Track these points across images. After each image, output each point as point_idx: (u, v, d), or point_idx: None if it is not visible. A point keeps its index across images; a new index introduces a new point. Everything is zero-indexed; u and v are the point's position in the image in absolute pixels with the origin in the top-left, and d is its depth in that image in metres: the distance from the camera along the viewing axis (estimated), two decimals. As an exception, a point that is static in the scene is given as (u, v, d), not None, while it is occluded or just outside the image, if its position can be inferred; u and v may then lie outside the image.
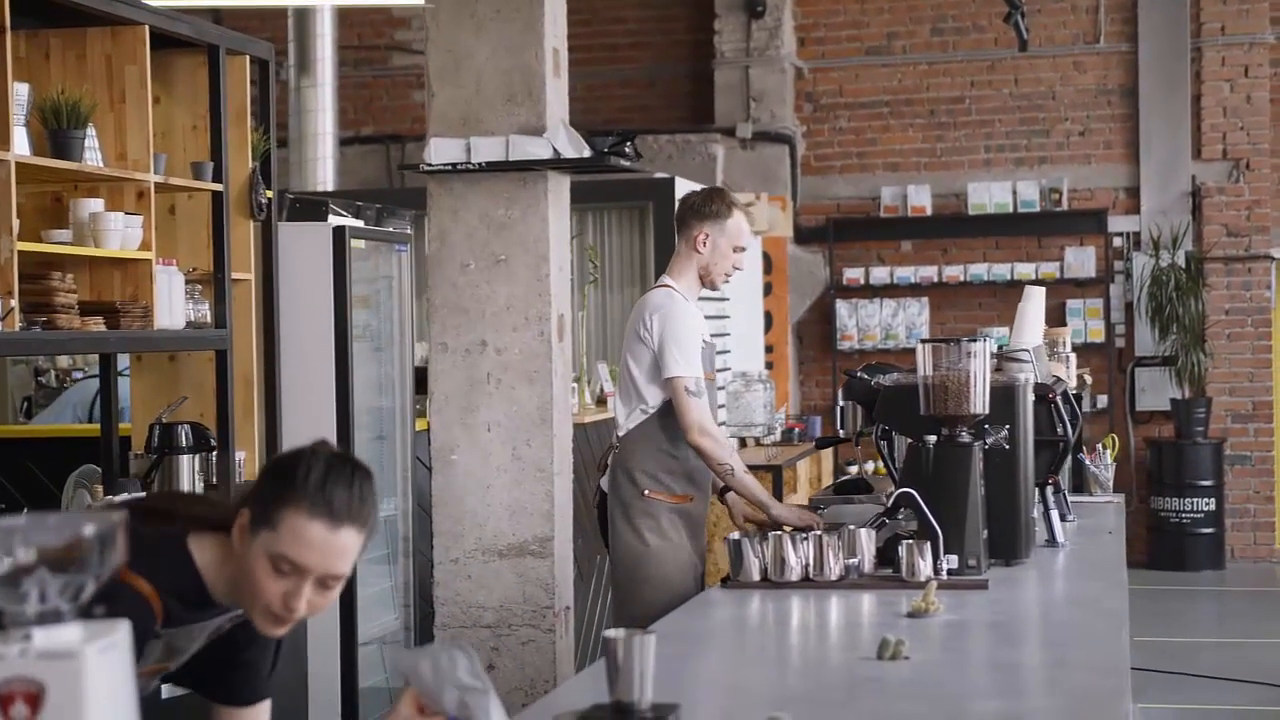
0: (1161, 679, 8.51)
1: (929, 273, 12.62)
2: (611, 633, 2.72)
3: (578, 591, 6.40)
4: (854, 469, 12.18)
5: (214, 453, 5.51)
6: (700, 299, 9.01)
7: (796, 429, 10.73)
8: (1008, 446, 4.47)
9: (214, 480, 5.53)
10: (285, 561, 2.52)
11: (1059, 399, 4.99)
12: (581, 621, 7.06)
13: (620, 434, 5.23)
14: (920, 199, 12.68)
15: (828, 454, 11.08)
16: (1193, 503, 12.04)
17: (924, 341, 4.40)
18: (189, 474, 5.35)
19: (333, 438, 6.23)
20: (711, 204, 5.23)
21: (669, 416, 5.11)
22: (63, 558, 1.75)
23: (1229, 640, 9.93)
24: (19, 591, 1.73)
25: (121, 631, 1.78)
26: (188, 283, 5.43)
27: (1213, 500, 12.06)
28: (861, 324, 12.75)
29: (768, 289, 12.25)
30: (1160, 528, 12.14)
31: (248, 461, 5.79)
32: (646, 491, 5.13)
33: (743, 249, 5.26)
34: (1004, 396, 4.48)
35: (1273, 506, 12.46)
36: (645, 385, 5.13)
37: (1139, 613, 9.90)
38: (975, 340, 4.37)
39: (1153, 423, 12.50)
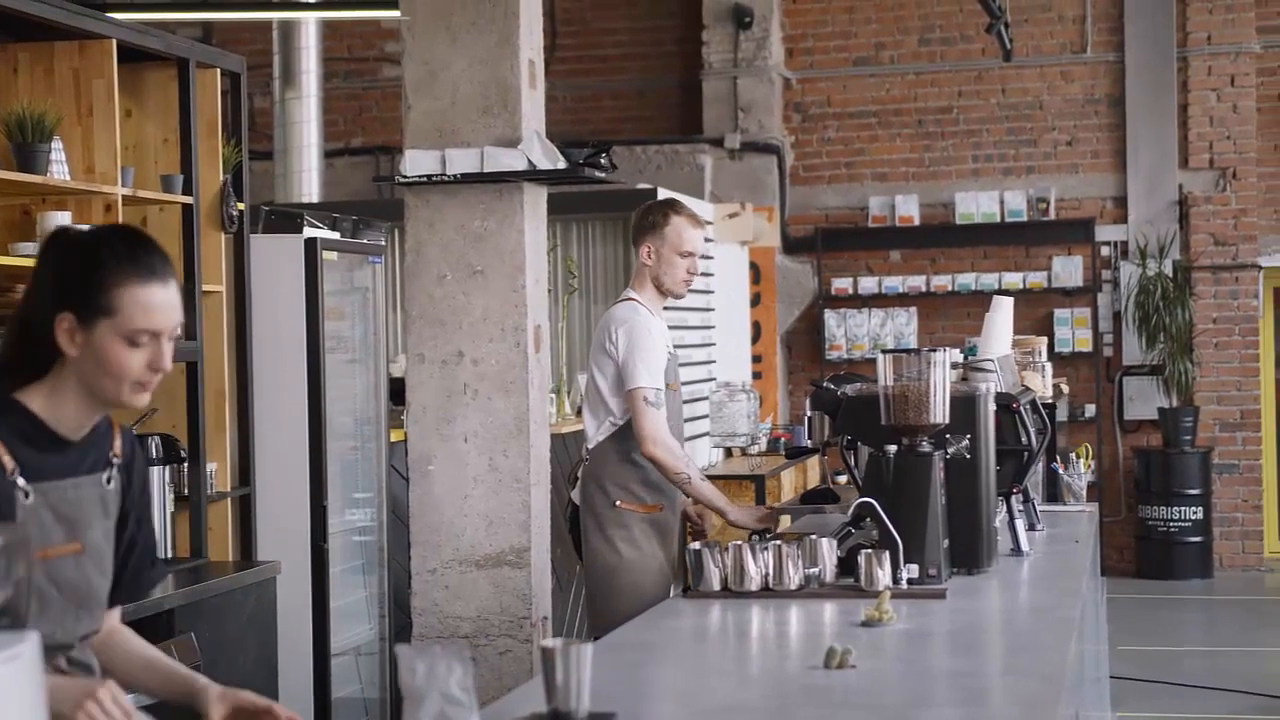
0: (1146, 687, 8.52)
1: (917, 282, 12.64)
2: (548, 643, 2.74)
3: (555, 601, 6.41)
4: (843, 479, 12.18)
5: (184, 464, 5.52)
6: (681, 309, 9.03)
7: (783, 439, 10.74)
8: (969, 456, 4.49)
9: (185, 492, 5.55)
10: (141, 334, 2.63)
11: (1024, 408, 5.00)
12: (559, 631, 7.07)
13: (589, 446, 5.32)
14: (908, 209, 12.71)
15: (814, 463, 11.09)
16: (1180, 511, 12.04)
17: (885, 351, 4.42)
18: (159, 486, 5.36)
19: (305, 448, 6.26)
20: (649, 216, 5.37)
21: None
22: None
23: (1215, 649, 9.94)
24: (-77, 602, 1.75)
25: (29, 643, 1.80)
26: (159, 295, 5.45)
27: (1200, 509, 12.07)
28: (850, 334, 12.76)
29: (756, 299, 12.28)
30: (1148, 536, 12.15)
31: (219, 473, 5.81)
32: (618, 503, 5.23)
33: (689, 254, 5.34)
34: (965, 406, 4.50)
35: (1260, 515, 12.47)
36: (611, 398, 5.25)
37: (1125, 621, 9.94)
38: (935, 350, 4.38)
39: (1140, 431, 12.51)
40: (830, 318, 12.76)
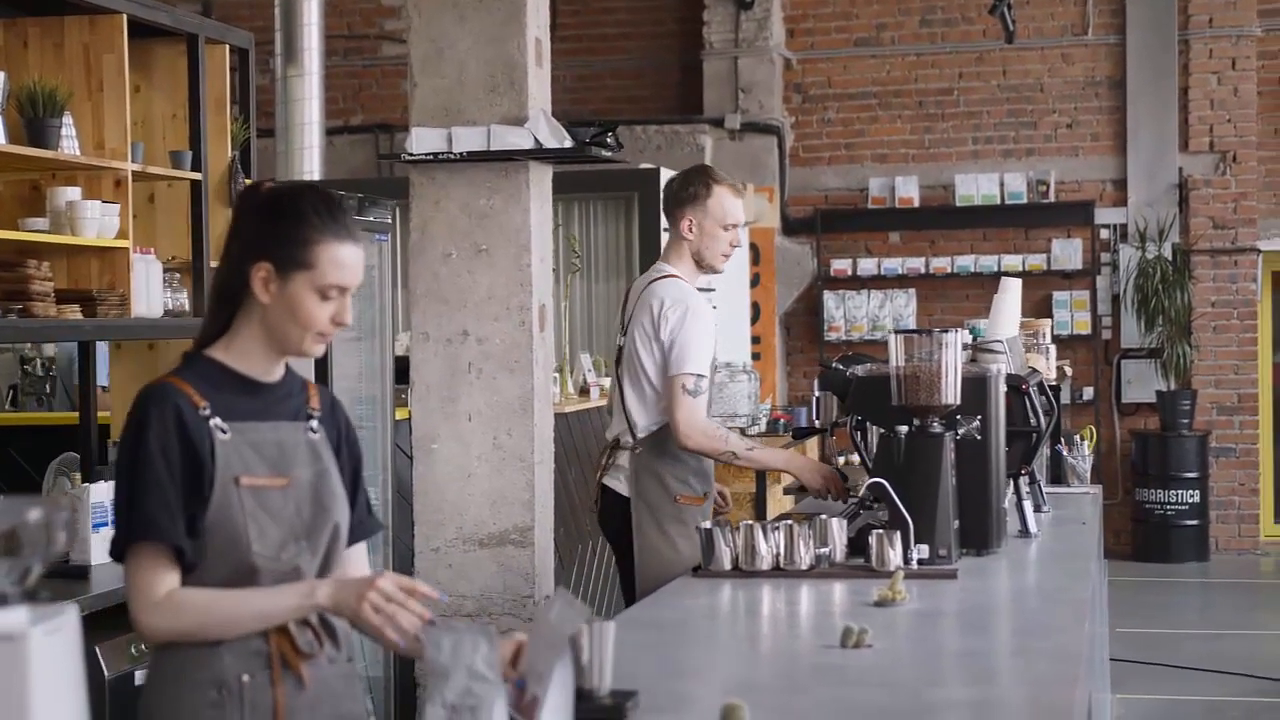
0: (1143, 670, 8.55)
1: (916, 264, 12.65)
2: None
3: (558, 581, 6.42)
4: (842, 459, 12.20)
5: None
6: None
7: (783, 420, 10.75)
8: (979, 437, 4.49)
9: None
10: (332, 288, 2.78)
11: (1033, 390, 5.00)
12: (562, 610, 7.07)
13: (639, 435, 5.06)
14: (908, 190, 12.70)
15: (814, 444, 11.11)
16: (1178, 495, 12.07)
17: (896, 332, 4.41)
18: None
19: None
20: (689, 187, 5.11)
21: None
22: (8, 542, 1.77)
23: (1212, 631, 9.97)
24: (-36, 575, 1.75)
25: (68, 616, 1.80)
26: (166, 271, 5.44)
27: (1197, 492, 12.10)
28: (849, 315, 12.77)
29: (755, 280, 12.28)
30: (1145, 519, 12.17)
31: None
32: (678, 497, 5.02)
33: (733, 225, 5.10)
34: (976, 387, 4.49)
35: (1257, 499, 12.50)
36: (663, 384, 4.98)
37: (1122, 604, 9.96)
38: (947, 331, 4.38)
39: (1138, 414, 12.53)
40: (829, 299, 12.76)
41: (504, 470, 5.76)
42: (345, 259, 2.79)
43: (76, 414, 5.83)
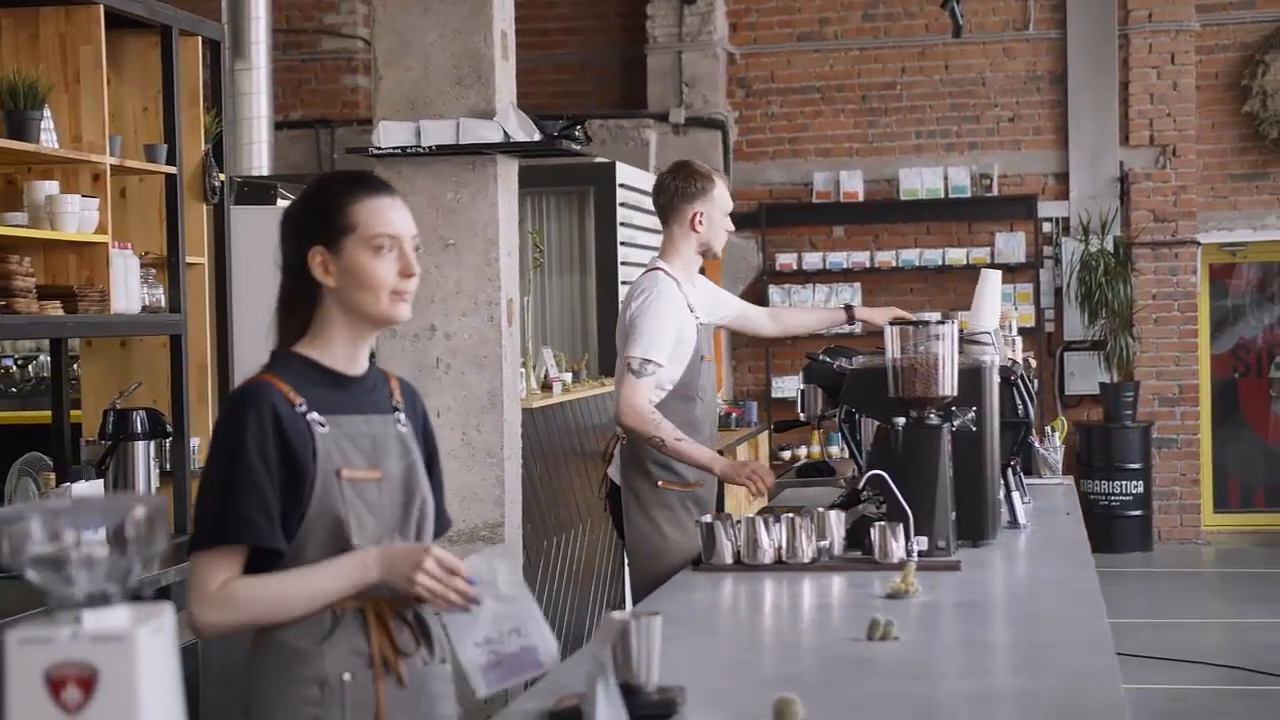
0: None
1: (861, 258, 12.69)
2: (619, 615, 2.72)
3: (527, 577, 6.39)
4: (786, 454, 12.23)
5: (169, 439, 5.43)
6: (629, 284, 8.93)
7: (734, 415, 10.76)
8: (974, 428, 4.49)
9: (168, 467, 5.46)
10: (380, 238, 2.78)
11: (1019, 380, 5.03)
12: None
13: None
14: (852, 184, 12.74)
15: (764, 439, 11.13)
16: (1121, 485, 12.18)
17: (893, 323, 4.41)
18: (144, 460, 5.27)
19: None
20: (695, 183, 5.21)
21: (675, 404, 5.05)
22: (111, 540, 1.73)
23: (1158, 620, 10.06)
24: (67, 574, 1.71)
25: (168, 615, 1.76)
26: (142, 267, 5.36)
27: (1141, 483, 12.21)
28: (794, 309, 12.78)
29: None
30: (1089, 510, 12.20)
31: (202, 448, 5.72)
32: (660, 483, 5.08)
33: (729, 211, 5.31)
34: (971, 378, 4.50)
35: (1198, 489, 12.64)
36: None
37: (1072, 594, 10.05)
38: (943, 322, 4.38)
39: (1082, 406, 12.63)
40: (775, 293, 12.77)
41: (473, 466, 5.74)
42: (384, 209, 2.80)
43: (46, 413, 5.73)
